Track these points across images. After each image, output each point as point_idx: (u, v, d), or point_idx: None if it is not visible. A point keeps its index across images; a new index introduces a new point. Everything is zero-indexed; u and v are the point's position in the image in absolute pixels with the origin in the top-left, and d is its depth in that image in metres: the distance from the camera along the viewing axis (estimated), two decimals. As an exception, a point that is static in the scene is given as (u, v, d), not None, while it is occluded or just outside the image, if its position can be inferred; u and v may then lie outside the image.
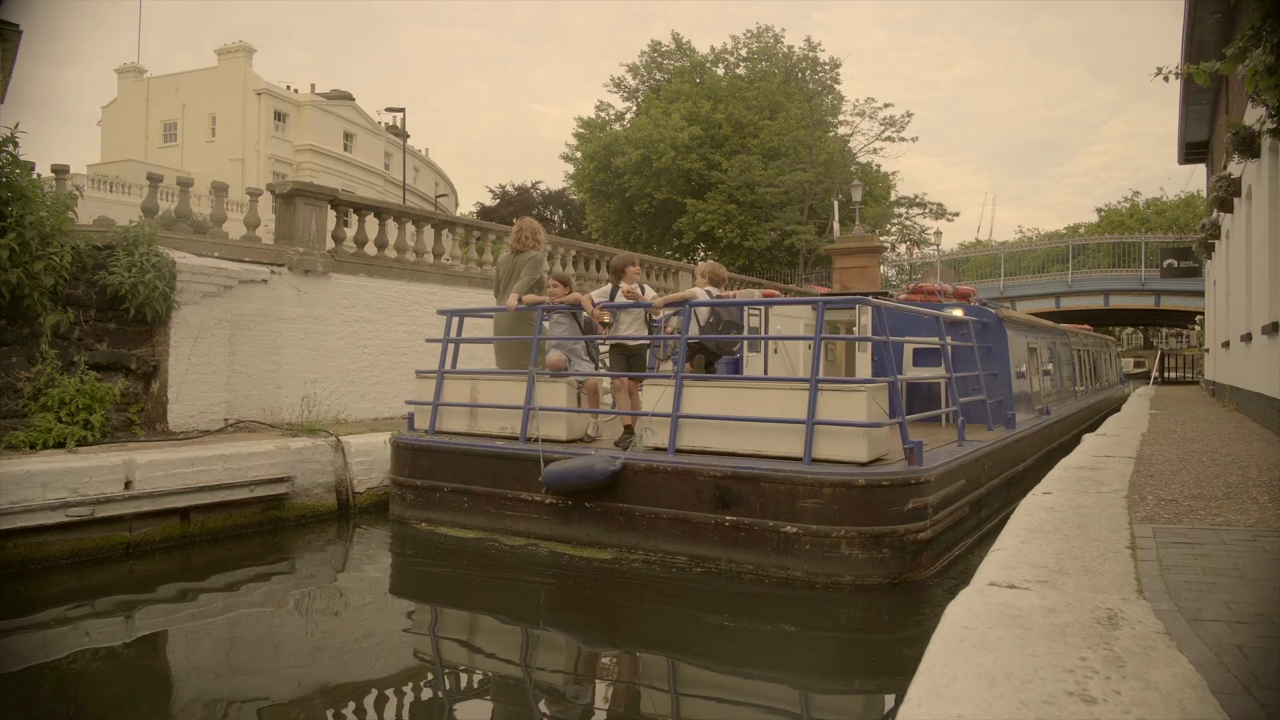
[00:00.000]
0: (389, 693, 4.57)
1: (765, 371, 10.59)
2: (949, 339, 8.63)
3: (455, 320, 8.74)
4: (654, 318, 8.05)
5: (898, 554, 5.91)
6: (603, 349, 8.72)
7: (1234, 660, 2.41)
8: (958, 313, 9.83)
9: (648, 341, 7.98)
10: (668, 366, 8.18)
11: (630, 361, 7.91)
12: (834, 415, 6.24)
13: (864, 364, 10.38)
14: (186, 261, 8.97)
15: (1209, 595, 3.05)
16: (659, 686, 4.84)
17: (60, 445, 7.55)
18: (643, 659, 5.21)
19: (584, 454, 6.94)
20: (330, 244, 11.23)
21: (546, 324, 8.19)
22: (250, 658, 5.23)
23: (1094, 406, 16.18)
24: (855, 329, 10.98)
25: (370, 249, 12.05)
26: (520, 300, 8.08)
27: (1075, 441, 9.39)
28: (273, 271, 10.19)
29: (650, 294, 7.88)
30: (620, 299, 7.86)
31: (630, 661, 5.19)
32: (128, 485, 6.93)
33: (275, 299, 10.20)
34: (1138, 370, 43.15)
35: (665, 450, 6.80)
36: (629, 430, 7.49)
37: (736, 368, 10.45)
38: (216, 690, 4.55)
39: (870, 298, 7.73)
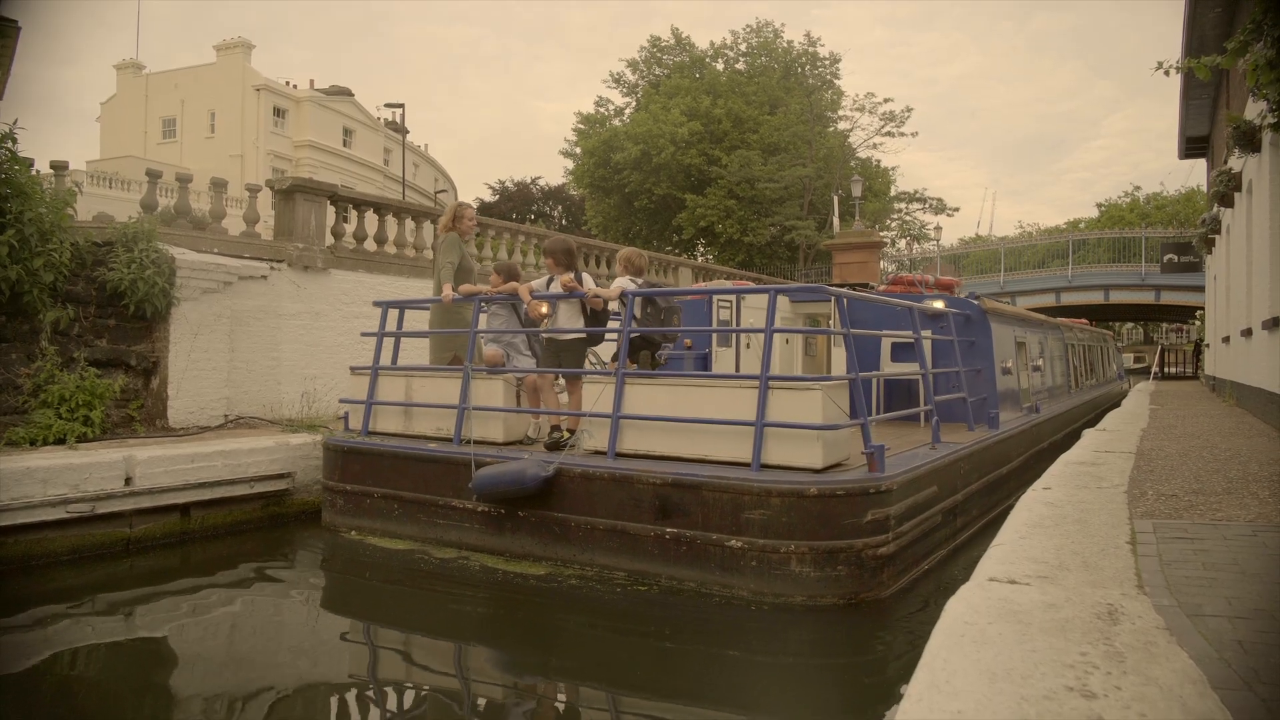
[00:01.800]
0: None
1: (737, 369, 9.78)
2: (926, 332, 8.13)
3: (395, 313, 8.25)
4: (614, 311, 7.37)
5: (855, 571, 5.34)
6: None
7: (1234, 656, 2.41)
8: (938, 304, 9.25)
9: (582, 335, 7.14)
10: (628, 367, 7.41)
11: (562, 358, 7.11)
12: (786, 416, 5.67)
13: (840, 360, 9.66)
14: (186, 258, 8.97)
15: (1209, 590, 3.05)
16: (597, 708, 4.53)
17: (60, 442, 7.55)
18: (582, 691, 4.75)
19: (517, 458, 6.39)
20: (330, 240, 11.22)
21: (485, 316, 7.64)
22: (247, 655, 5.24)
23: (1091, 403, 15.88)
24: (832, 323, 10.26)
25: (370, 245, 12.04)
26: (456, 290, 7.52)
27: (1068, 441, 9.24)
28: (272, 267, 10.19)
29: (589, 283, 7.12)
30: (556, 289, 7.12)
31: (565, 690, 4.76)
32: (128, 482, 6.94)
33: (275, 295, 10.19)
34: (1138, 365, 43.15)
35: (605, 454, 6.21)
36: (556, 430, 6.88)
37: (705, 364, 9.80)
38: (215, 687, 4.56)
39: (832, 287, 6.79)
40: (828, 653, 5.03)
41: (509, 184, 51.37)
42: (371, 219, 12.17)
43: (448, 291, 7.50)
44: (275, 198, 10.94)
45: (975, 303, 9.73)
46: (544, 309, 7.03)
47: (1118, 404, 14.73)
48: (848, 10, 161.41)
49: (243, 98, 46.25)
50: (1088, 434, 8.77)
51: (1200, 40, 11.79)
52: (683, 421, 6.06)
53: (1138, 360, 46.36)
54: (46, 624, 5.47)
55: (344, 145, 51.43)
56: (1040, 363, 12.40)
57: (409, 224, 12.70)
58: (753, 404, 5.77)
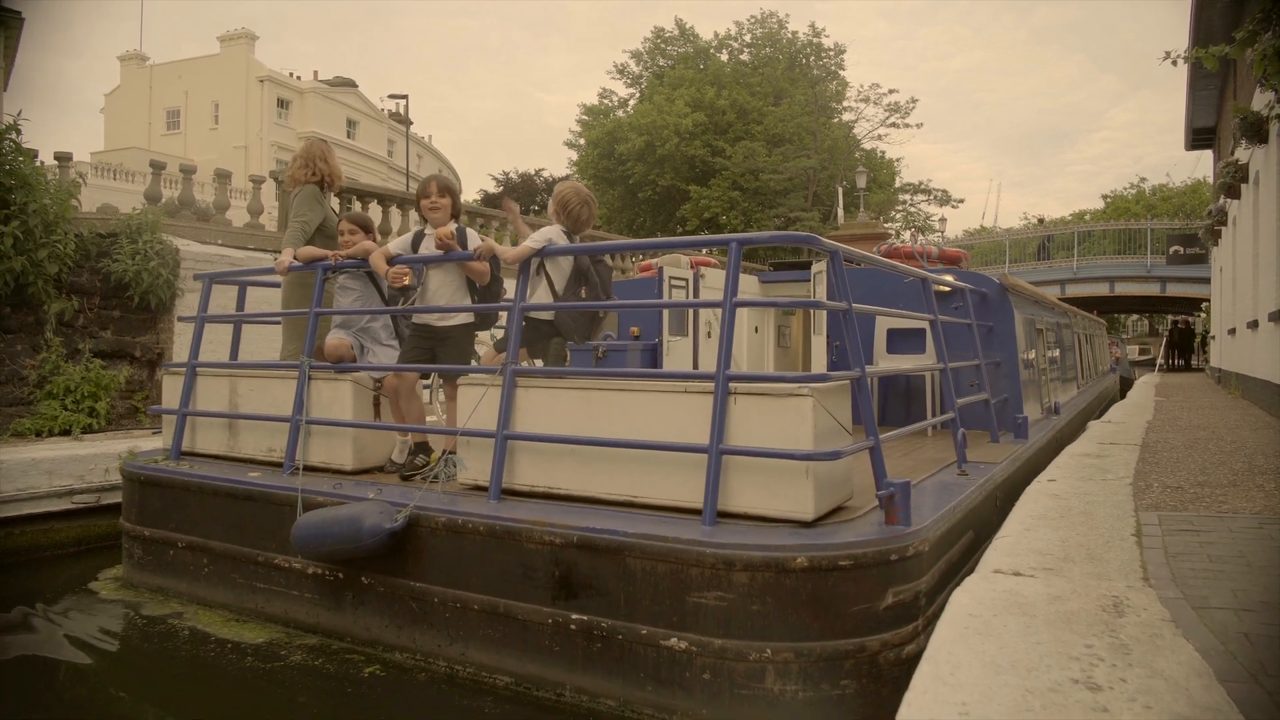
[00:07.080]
0: None
1: (695, 363, 7.32)
2: (939, 315, 6.14)
3: (234, 292, 6.48)
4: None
5: (868, 686, 3.37)
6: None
7: (1240, 648, 2.41)
8: (949, 279, 7.17)
9: (469, 319, 5.09)
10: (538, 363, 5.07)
11: (439, 351, 5.02)
12: (758, 436, 3.68)
13: (820, 353, 7.41)
14: (190, 249, 8.98)
15: (1215, 583, 3.04)
16: None
17: (66, 433, 7.58)
18: None
19: (359, 497, 4.45)
20: (333, 231, 11.20)
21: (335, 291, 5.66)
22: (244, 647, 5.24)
23: (1100, 396, 15.43)
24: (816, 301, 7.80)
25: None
26: (295, 258, 5.44)
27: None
28: (276, 259, 10.18)
29: (476, 241, 4.95)
30: (430, 246, 5.03)
31: None
32: (133, 473, 6.96)
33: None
34: (1143, 357, 43.07)
35: (486, 491, 4.28)
36: (419, 452, 5.08)
37: (654, 358, 6.62)
38: (216, 676, 4.57)
39: (819, 239, 4.24)
40: None
41: (513, 175, 51.26)
42: (375, 210, 12.18)
43: (283, 258, 5.45)
44: (279, 189, 10.93)
45: (994, 279, 7.79)
46: (406, 278, 4.93)
47: (1117, 399, 14.48)
48: (850, 2, 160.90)
49: (246, 89, 46.27)
50: (1093, 425, 8.74)
51: (1207, 30, 11.74)
52: (598, 444, 4.08)
53: (1143, 352, 46.30)
54: (52, 614, 5.48)
55: (348, 137, 51.40)
56: (1056, 354, 10.63)
57: (413, 215, 12.69)
58: (702, 415, 3.78)
